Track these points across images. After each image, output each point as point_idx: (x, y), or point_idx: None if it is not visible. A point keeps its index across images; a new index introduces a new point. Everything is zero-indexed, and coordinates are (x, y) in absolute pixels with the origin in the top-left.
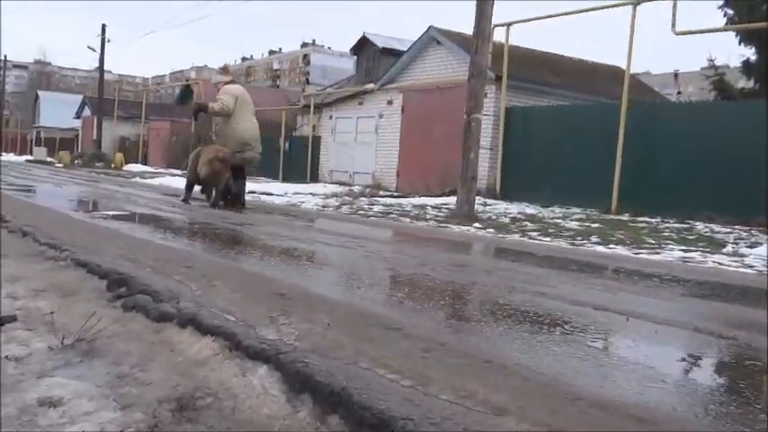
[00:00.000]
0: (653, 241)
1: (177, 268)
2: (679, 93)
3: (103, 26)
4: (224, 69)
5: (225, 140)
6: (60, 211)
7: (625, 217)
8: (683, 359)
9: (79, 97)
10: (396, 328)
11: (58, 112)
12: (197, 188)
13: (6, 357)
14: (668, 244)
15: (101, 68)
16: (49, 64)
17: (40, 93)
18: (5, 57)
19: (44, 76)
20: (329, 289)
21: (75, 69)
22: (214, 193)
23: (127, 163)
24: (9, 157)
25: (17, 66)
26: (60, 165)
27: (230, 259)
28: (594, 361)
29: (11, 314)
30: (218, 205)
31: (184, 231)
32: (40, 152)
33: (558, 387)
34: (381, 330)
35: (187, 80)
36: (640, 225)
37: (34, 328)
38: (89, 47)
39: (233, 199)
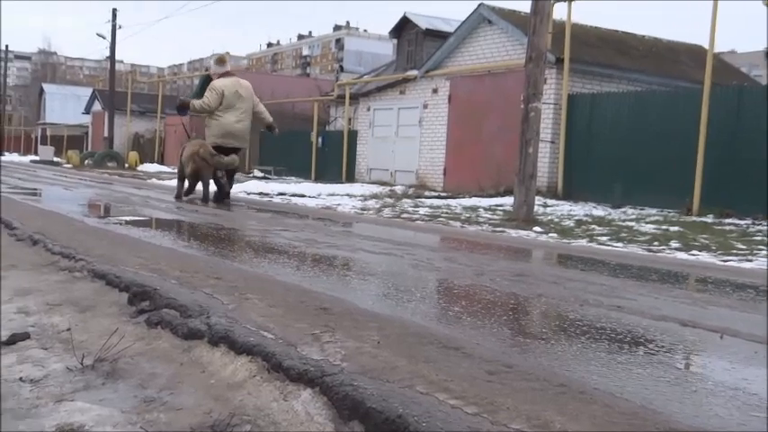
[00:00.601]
0: (743, 247)
1: (206, 279)
2: None
3: (114, 11)
4: (220, 60)
5: (207, 132)
6: (72, 217)
7: (709, 219)
8: None
9: (88, 90)
10: (455, 347)
11: (65, 106)
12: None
13: (21, 380)
14: (761, 250)
15: (111, 58)
16: (55, 54)
17: (45, 86)
18: (6, 46)
19: (49, 68)
20: (376, 302)
21: (83, 59)
22: (202, 188)
23: (142, 162)
24: (12, 157)
25: (19, 56)
26: (69, 165)
27: (264, 269)
28: (686, 386)
29: (23, 331)
30: (208, 200)
31: (210, 238)
32: (47, 151)
33: (645, 416)
34: (439, 349)
35: (207, 69)
36: (727, 228)
37: (50, 347)
38: (98, 34)
39: (218, 194)
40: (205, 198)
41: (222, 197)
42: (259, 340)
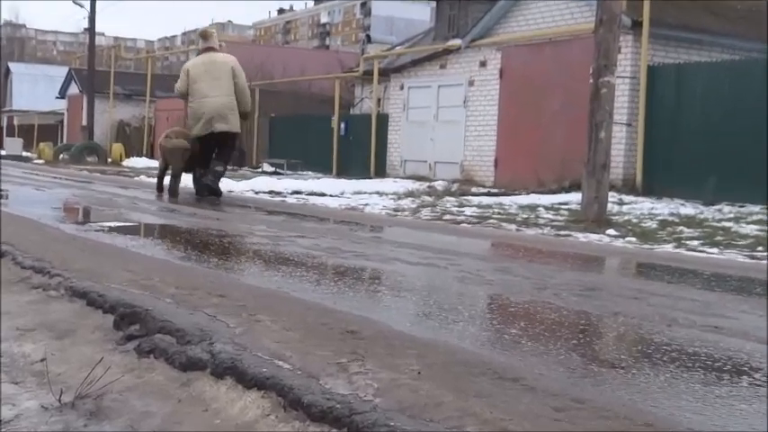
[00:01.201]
0: None
1: (207, 298)
2: None
3: None
4: (202, 35)
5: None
6: (46, 223)
7: None
8: None
9: (63, 69)
10: (513, 379)
11: (35, 89)
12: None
13: None
14: None
15: (91, 30)
16: (23, 26)
17: (12, 65)
18: None
19: (17, 43)
20: (415, 324)
21: (56, 33)
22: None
23: (127, 156)
24: None
25: None
26: (41, 161)
27: (277, 284)
28: None
29: None
30: (176, 192)
31: (212, 247)
32: (14, 145)
33: None
34: (493, 381)
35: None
36: None
37: (21, 381)
38: (75, 2)
39: (204, 189)
40: (171, 191)
41: (209, 191)
42: (273, 371)
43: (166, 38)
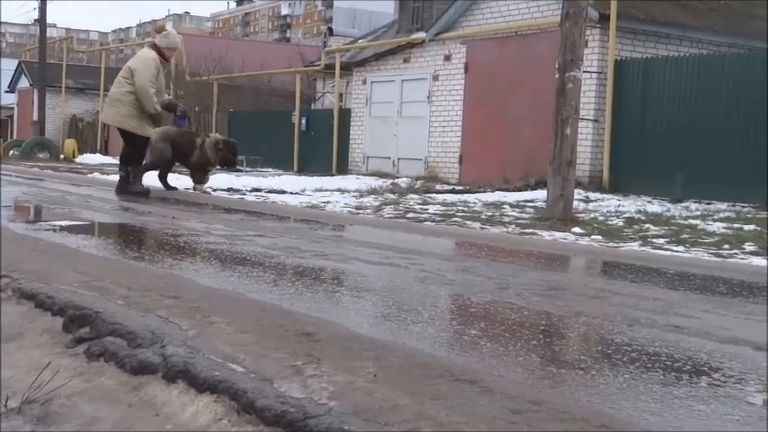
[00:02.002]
0: None
1: (160, 299)
2: None
3: None
4: (156, 29)
5: None
6: None
7: None
8: None
9: (13, 62)
10: (471, 381)
11: None
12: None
13: None
14: None
15: (42, 22)
16: None
17: None
18: None
19: None
20: (373, 325)
21: (5, 24)
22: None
23: (80, 153)
24: None
25: None
26: None
27: (233, 285)
28: (759, 425)
29: None
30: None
31: (167, 247)
32: None
33: None
34: (451, 383)
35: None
36: None
37: None
38: None
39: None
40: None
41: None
42: (226, 375)
43: (121, 30)
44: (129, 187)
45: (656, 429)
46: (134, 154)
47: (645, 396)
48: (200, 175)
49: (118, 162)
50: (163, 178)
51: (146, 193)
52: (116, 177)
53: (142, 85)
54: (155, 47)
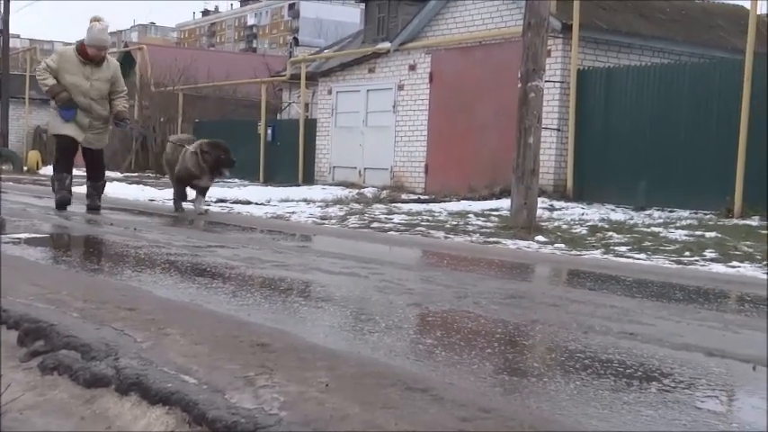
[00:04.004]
0: None
1: (116, 311)
2: None
3: None
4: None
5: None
6: None
7: (754, 221)
8: None
9: None
10: (422, 389)
11: None
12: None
13: None
14: None
15: (5, 32)
16: None
17: None
18: None
19: None
20: (329, 335)
21: None
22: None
23: (44, 165)
24: None
25: None
26: None
27: (191, 297)
28: (705, 429)
29: None
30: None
31: (126, 259)
32: None
33: None
34: (402, 392)
35: (126, 45)
36: None
37: None
38: None
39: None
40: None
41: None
42: (178, 386)
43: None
44: (90, 202)
45: None
46: (57, 157)
47: (594, 402)
48: (180, 190)
49: (85, 174)
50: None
51: (61, 205)
52: (80, 189)
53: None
54: (81, 46)
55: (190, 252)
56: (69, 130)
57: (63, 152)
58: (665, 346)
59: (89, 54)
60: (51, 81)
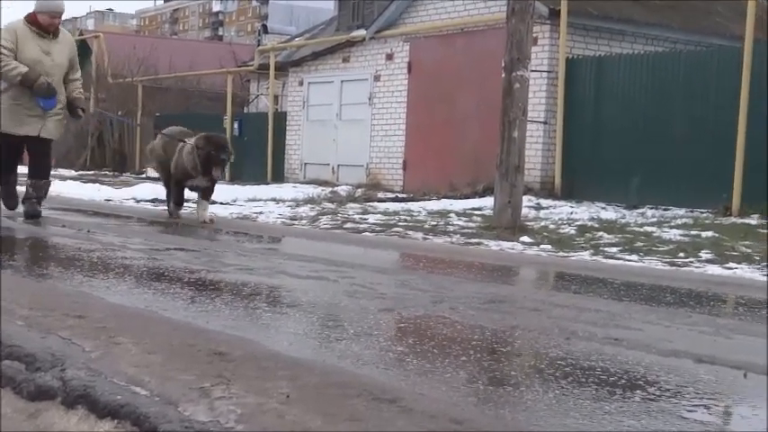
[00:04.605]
0: None
1: (64, 319)
2: None
3: None
4: None
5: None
6: None
7: (753, 220)
8: None
9: None
10: (390, 400)
11: None
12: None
13: None
14: None
15: None
16: None
17: None
18: None
19: None
20: (293, 343)
21: None
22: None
23: None
24: None
25: None
26: None
27: (146, 303)
28: None
29: None
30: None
31: (78, 263)
32: None
33: None
34: (369, 403)
35: (81, 33)
36: None
37: None
38: None
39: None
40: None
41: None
42: (129, 399)
43: None
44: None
45: None
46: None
47: (574, 412)
48: (177, 194)
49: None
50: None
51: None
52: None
53: None
54: (29, 16)
55: (147, 255)
56: (26, 127)
57: (11, 151)
58: (652, 353)
59: (42, 24)
60: (23, 67)
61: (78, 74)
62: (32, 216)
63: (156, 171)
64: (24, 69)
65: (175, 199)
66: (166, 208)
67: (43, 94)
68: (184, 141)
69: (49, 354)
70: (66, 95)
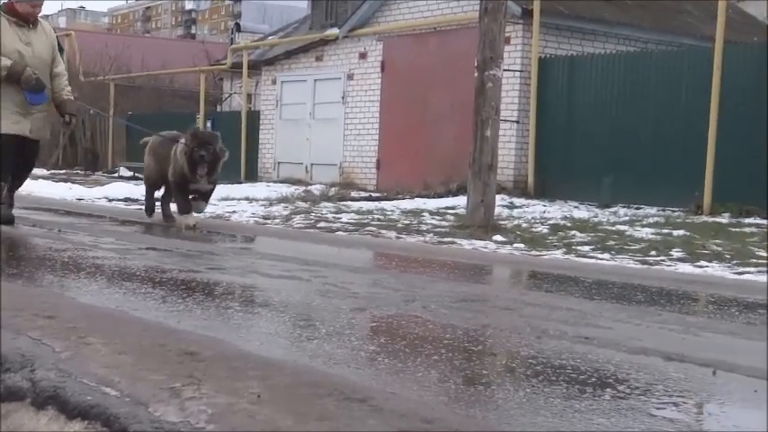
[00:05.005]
0: (766, 254)
1: (33, 320)
2: None
3: None
4: None
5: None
6: None
7: (724, 218)
8: None
9: None
10: (361, 399)
11: None
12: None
13: None
14: None
15: None
16: None
17: None
18: None
19: None
20: (264, 343)
21: None
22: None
23: None
24: None
25: None
26: None
27: (117, 303)
28: None
29: None
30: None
31: (49, 263)
32: None
33: None
34: (339, 402)
35: (54, 31)
36: (747, 230)
37: None
38: None
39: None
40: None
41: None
42: (98, 399)
43: None
44: None
45: None
46: None
47: (544, 411)
48: (181, 201)
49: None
50: (164, 205)
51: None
52: None
53: None
54: (6, 5)
55: (118, 255)
56: (19, 125)
57: (7, 153)
58: (622, 351)
59: (20, 12)
60: (6, 60)
61: (62, 66)
62: (8, 222)
63: (145, 170)
64: (8, 62)
65: (182, 208)
66: (143, 209)
67: (31, 88)
68: (178, 142)
69: (19, 354)
70: (55, 96)
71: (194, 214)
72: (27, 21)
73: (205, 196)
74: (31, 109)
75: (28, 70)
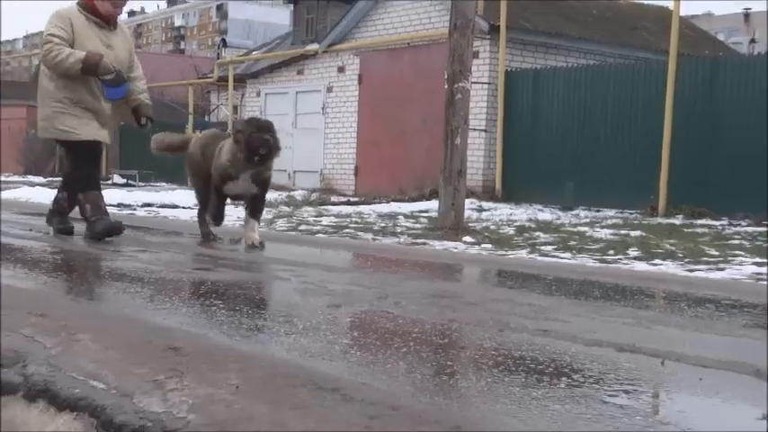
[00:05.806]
0: (716, 253)
1: (26, 318)
2: (753, 41)
3: None
4: None
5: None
6: None
7: (678, 220)
8: (741, 418)
9: None
10: (333, 389)
11: None
12: None
13: None
14: (737, 256)
15: None
16: None
17: None
18: None
19: None
20: (244, 338)
21: None
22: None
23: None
24: None
25: None
26: None
27: (107, 302)
28: (609, 422)
29: None
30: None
31: (43, 264)
32: None
33: None
34: (312, 392)
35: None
36: (699, 230)
37: None
38: None
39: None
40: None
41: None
42: (87, 392)
43: (7, 41)
44: (91, 227)
45: (508, 429)
46: (77, 171)
47: (504, 398)
48: (214, 206)
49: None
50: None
51: (115, 231)
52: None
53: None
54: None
55: (109, 256)
56: (100, 132)
57: (92, 161)
58: (578, 343)
59: (101, 12)
60: (79, 52)
61: (140, 70)
62: (118, 231)
63: (192, 182)
64: (82, 54)
65: (212, 212)
66: (200, 230)
67: (111, 81)
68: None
69: (12, 351)
70: (132, 99)
71: (256, 236)
72: (108, 21)
73: (254, 202)
74: (107, 109)
75: (105, 60)
